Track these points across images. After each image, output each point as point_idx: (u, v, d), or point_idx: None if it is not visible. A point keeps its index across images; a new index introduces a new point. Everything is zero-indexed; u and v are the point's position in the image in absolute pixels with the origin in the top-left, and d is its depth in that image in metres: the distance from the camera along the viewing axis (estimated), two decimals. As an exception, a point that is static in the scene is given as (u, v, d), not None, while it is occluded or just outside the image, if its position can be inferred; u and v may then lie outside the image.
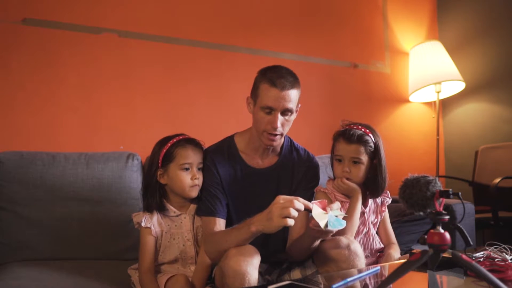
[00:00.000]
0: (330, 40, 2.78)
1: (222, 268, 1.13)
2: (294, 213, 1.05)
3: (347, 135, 1.40)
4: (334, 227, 1.09)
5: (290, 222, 1.05)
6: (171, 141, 1.38)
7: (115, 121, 2.12)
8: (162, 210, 1.38)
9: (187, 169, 1.36)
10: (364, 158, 1.40)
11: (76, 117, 2.04)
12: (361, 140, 1.39)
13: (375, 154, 1.42)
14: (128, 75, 2.16)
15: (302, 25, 2.69)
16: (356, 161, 1.40)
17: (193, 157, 1.37)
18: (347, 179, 1.41)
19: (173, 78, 2.27)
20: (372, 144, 1.41)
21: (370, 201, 1.48)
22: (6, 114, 1.91)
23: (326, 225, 1.07)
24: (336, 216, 1.10)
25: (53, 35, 2.01)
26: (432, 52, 2.78)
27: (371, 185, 1.45)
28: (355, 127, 1.43)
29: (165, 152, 1.37)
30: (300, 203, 1.07)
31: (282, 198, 1.09)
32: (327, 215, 1.09)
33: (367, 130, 1.42)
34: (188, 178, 1.35)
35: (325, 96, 2.73)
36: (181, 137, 1.40)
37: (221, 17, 2.43)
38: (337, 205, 1.14)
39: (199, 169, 1.39)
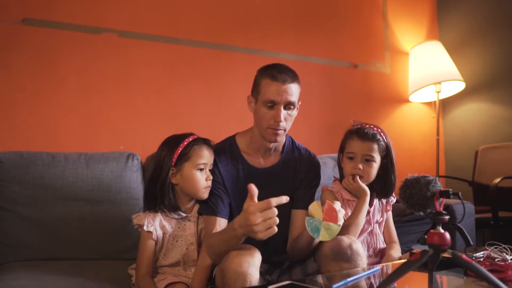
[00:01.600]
0: (330, 40, 2.78)
1: (223, 269, 1.13)
2: (276, 221, 1.04)
3: (361, 132, 1.41)
4: (312, 234, 1.12)
5: (276, 229, 1.05)
6: (186, 140, 1.34)
7: (115, 121, 2.12)
8: (175, 211, 1.34)
9: (201, 169, 1.33)
10: (377, 156, 1.41)
11: (76, 117, 2.04)
12: (374, 138, 1.41)
13: (386, 154, 1.44)
14: (128, 75, 2.16)
15: (302, 25, 2.69)
16: (369, 159, 1.41)
17: (208, 158, 1.34)
18: (359, 177, 1.41)
19: (173, 78, 2.27)
20: (383, 144, 1.42)
21: (376, 200, 1.48)
22: (6, 114, 1.91)
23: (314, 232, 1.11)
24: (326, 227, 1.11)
25: (53, 35, 2.01)
26: (432, 52, 2.78)
27: (381, 185, 1.46)
28: (367, 126, 1.44)
29: (180, 151, 1.33)
30: (273, 210, 1.04)
31: (257, 213, 1.03)
32: (316, 221, 1.11)
33: (379, 130, 1.45)
34: (203, 179, 1.32)
35: (325, 96, 2.73)
36: (195, 136, 1.37)
37: (221, 17, 2.43)
38: (341, 212, 1.14)
39: (209, 170, 1.36)
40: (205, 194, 1.34)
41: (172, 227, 1.35)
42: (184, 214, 1.36)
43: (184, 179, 1.33)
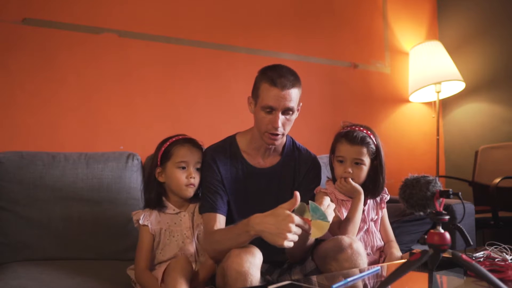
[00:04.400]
0: (330, 40, 2.78)
1: (224, 269, 1.13)
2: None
3: (350, 136, 1.41)
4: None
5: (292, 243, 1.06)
6: (170, 140, 1.41)
7: (115, 121, 2.12)
8: (160, 207, 1.40)
9: (183, 167, 1.38)
10: (366, 159, 1.41)
11: (76, 117, 2.04)
12: (363, 142, 1.40)
13: (376, 156, 1.43)
14: (128, 75, 2.16)
15: (302, 25, 2.69)
16: (358, 162, 1.41)
17: (189, 156, 1.38)
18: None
19: (173, 78, 2.27)
20: (373, 146, 1.42)
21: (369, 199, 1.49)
22: (6, 114, 1.90)
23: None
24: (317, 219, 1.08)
25: (53, 35, 2.01)
26: (432, 52, 2.78)
27: (371, 186, 1.45)
28: (356, 128, 1.44)
29: (163, 151, 1.40)
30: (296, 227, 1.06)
31: (294, 225, 1.04)
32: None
33: (369, 132, 1.44)
34: (183, 177, 1.37)
35: (325, 96, 2.73)
36: (180, 137, 1.42)
37: (221, 17, 2.43)
38: (330, 207, 1.14)
39: (197, 169, 1.40)
40: (187, 192, 1.38)
41: (167, 223, 1.39)
42: (178, 210, 1.41)
43: (167, 177, 1.39)
